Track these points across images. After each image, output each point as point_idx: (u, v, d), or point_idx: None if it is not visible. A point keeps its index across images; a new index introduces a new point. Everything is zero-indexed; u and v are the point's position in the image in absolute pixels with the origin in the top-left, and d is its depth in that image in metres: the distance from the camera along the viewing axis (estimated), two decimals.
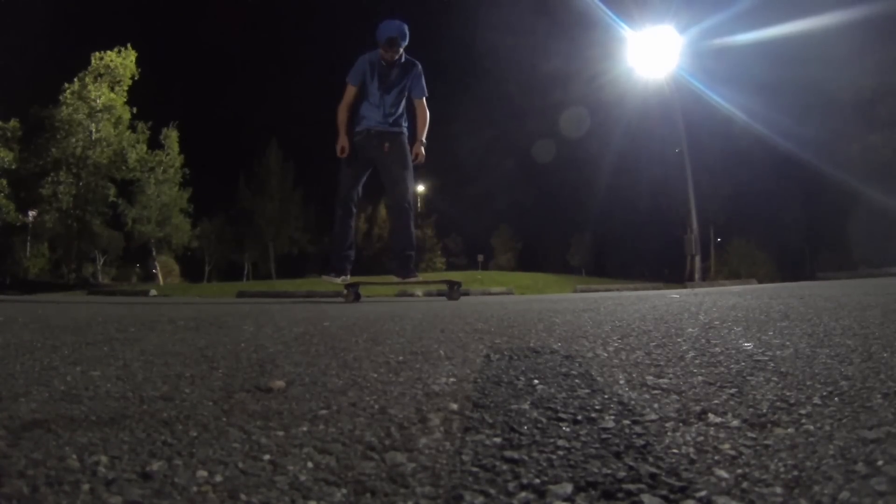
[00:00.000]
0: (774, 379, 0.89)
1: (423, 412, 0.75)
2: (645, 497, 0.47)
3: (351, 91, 4.61)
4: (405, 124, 4.65)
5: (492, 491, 0.49)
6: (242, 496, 0.48)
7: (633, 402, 0.78)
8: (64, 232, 23.44)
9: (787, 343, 1.23)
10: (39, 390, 0.90)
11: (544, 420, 0.70)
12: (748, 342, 1.26)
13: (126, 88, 23.19)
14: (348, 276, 4.68)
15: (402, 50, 4.42)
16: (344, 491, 0.49)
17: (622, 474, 0.52)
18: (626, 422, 0.69)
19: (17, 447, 0.60)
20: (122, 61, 22.98)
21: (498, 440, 0.63)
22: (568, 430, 0.66)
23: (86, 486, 0.50)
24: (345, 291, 4.59)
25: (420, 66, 4.59)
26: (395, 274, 4.64)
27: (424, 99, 4.63)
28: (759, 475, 0.51)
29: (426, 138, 4.66)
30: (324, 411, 0.76)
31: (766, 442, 0.60)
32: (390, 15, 4.43)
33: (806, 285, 5.56)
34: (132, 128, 23.54)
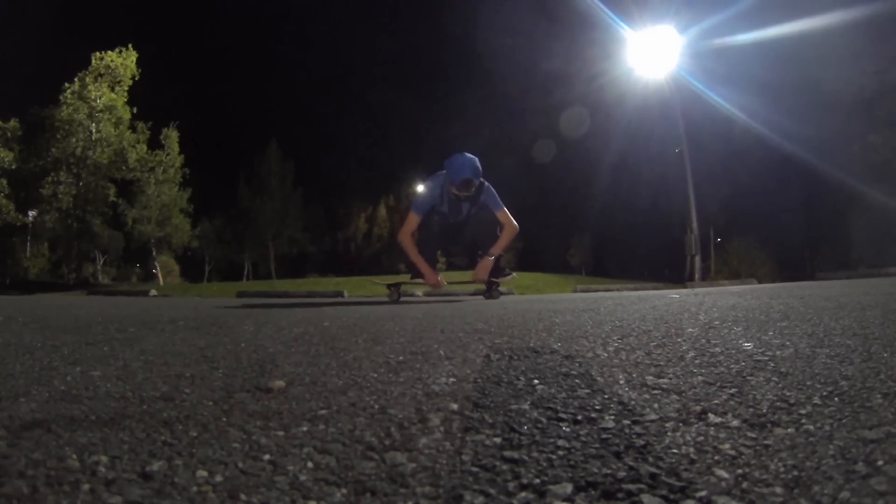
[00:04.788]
0: (774, 379, 0.89)
1: (423, 412, 0.75)
2: (645, 497, 0.47)
3: (415, 220, 4.39)
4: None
5: (492, 491, 0.49)
6: (242, 496, 0.48)
7: (633, 402, 0.78)
8: (64, 232, 23.41)
9: (787, 343, 1.23)
10: (39, 390, 0.90)
11: (544, 420, 0.70)
12: (748, 342, 1.26)
13: (126, 88, 23.18)
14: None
15: (474, 189, 4.22)
16: (344, 491, 0.49)
17: (622, 474, 0.52)
18: (626, 422, 0.69)
19: (17, 447, 0.60)
20: (123, 61, 22.96)
21: (498, 440, 0.63)
22: (568, 430, 0.66)
23: (86, 486, 0.50)
24: (388, 291, 4.72)
25: (487, 184, 4.37)
26: (491, 274, 4.59)
27: (505, 210, 4.43)
28: (759, 475, 0.51)
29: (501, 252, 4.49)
30: (324, 411, 0.76)
31: (766, 442, 0.60)
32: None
33: (806, 285, 5.56)
34: (132, 128, 23.51)
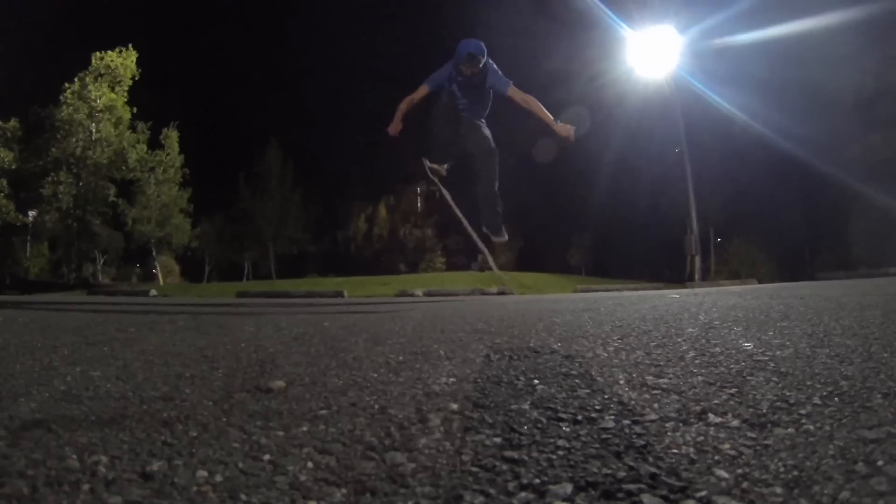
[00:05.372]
0: (774, 379, 0.89)
1: (423, 412, 0.75)
2: (645, 497, 0.47)
3: (423, 90, 4.53)
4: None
5: (492, 491, 0.49)
6: (242, 496, 0.48)
7: (633, 402, 0.78)
8: (64, 232, 23.44)
9: (787, 343, 1.23)
10: (39, 390, 0.90)
11: (544, 420, 0.70)
12: (748, 342, 1.26)
13: (126, 88, 23.20)
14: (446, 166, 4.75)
15: (481, 66, 4.37)
16: (344, 491, 0.49)
17: (622, 474, 0.52)
18: (626, 422, 0.69)
19: (17, 447, 0.60)
20: (123, 61, 22.99)
21: (498, 440, 0.63)
22: (568, 430, 0.66)
23: (86, 486, 0.50)
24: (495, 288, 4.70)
25: (493, 65, 4.48)
26: (489, 231, 4.63)
27: (512, 85, 4.45)
28: (759, 475, 0.51)
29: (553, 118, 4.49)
30: (324, 411, 0.76)
31: (766, 442, 0.60)
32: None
33: (806, 285, 5.56)
34: (132, 128, 23.54)
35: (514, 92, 4.51)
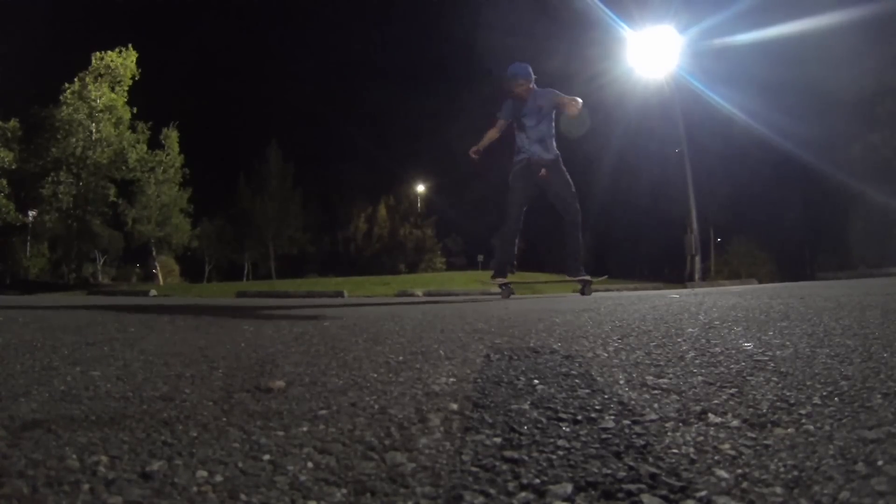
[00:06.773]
0: (774, 379, 0.89)
1: (423, 412, 0.75)
2: (645, 497, 0.47)
3: (501, 124, 5.26)
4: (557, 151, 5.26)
5: (492, 491, 0.49)
6: (242, 496, 0.48)
7: (633, 402, 0.78)
8: (64, 232, 23.43)
9: (787, 343, 1.23)
10: (39, 390, 0.90)
11: (544, 420, 0.70)
12: (748, 342, 1.26)
13: (126, 88, 23.20)
14: (507, 278, 5.50)
15: (531, 84, 5.08)
16: (344, 491, 0.49)
17: (622, 474, 0.52)
18: (626, 422, 0.69)
19: (17, 447, 0.60)
20: (123, 61, 22.97)
21: (498, 440, 0.63)
22: (568, 430, 0.66)
23: (86, 486, 0.50)
24: (500, 290, 5.33)
25: (553, 90, 5.14)
26: (566, 273, 5.49)
27: (557, 93, 5.08)
28: (759, 475, 0.51)
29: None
30: (324, 411, 0.76)
31: (766, 442, 0.60)
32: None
33: (806, 285, 5.56)
34: (132, 128, 23.53)
35: (560, 98, 5.08)
